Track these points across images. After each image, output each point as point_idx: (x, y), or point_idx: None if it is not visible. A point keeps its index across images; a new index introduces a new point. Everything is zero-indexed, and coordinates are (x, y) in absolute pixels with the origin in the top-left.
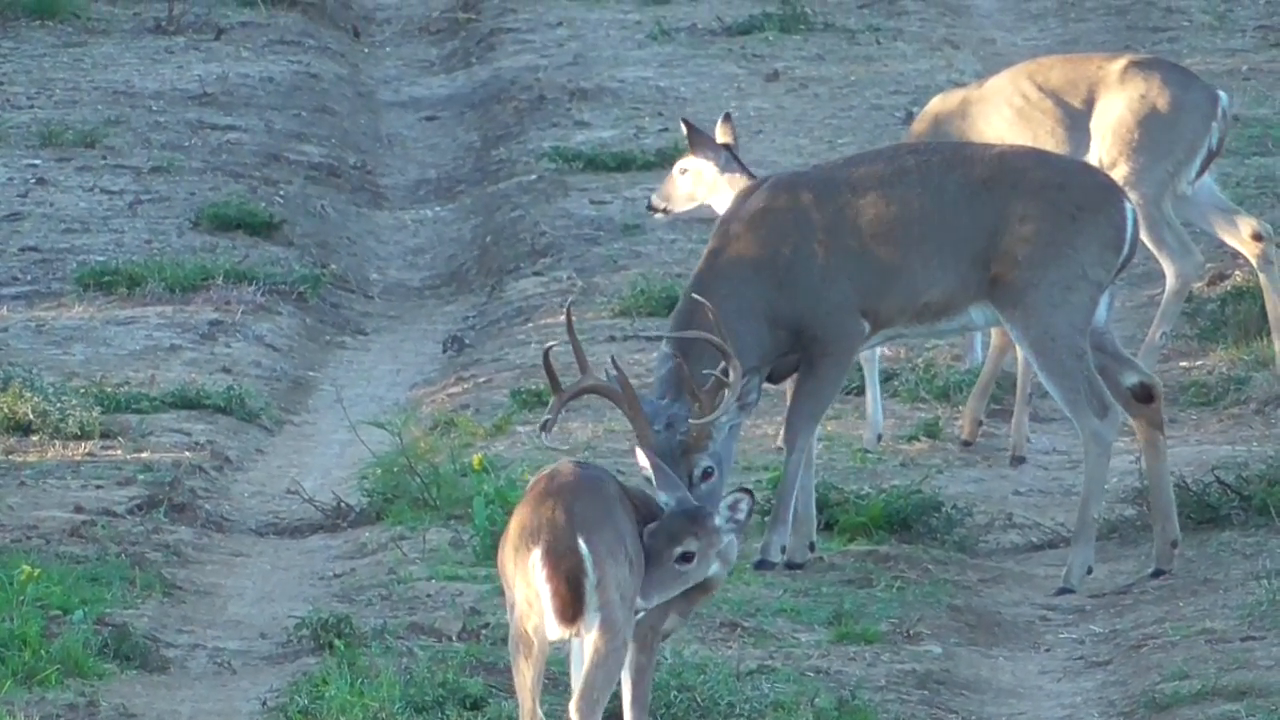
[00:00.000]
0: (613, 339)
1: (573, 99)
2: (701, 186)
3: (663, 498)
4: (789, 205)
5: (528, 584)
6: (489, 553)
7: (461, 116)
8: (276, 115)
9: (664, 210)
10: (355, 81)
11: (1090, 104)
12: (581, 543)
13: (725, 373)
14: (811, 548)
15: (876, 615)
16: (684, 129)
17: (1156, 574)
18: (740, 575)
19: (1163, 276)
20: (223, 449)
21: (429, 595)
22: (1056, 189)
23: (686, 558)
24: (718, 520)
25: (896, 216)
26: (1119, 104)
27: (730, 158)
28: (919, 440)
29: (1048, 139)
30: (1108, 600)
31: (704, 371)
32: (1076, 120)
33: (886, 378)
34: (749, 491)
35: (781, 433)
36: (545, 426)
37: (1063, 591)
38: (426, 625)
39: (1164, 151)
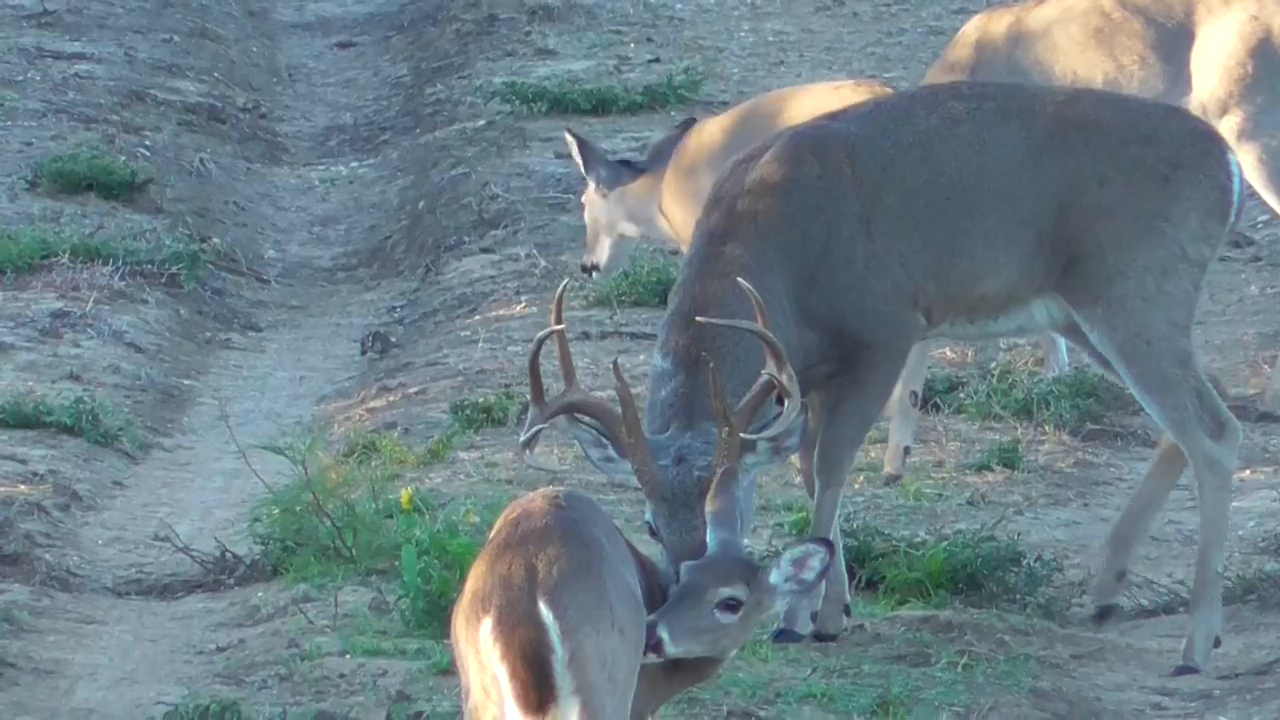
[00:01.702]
0: (586, 336)
1: (533, 19)
2: (605, 219)
3: (708, 534)
4: (818, 171)
5: (481, 664)
6: (421, 619)
7: (386, 43)
8: (140, 40)
9: (596, 267)
10: None
11: (1189, 31)
12: (543, 607)
13: (769, 383)
14: (847, 612)
15: (935, 702)
16: (571, 145)
17: None
18: (755, 649)
19: None
20: (69, 481)
21: (342, 675)
22: (1142, 143)
23: (731, 605)
24: (775, 577)
25: (952, 183)
26: (1226, 30)
27: (618, 166)
28: (991, 471)
29: (1135, 70)
30: (1242, 683)
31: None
32: (1173, 49)
33: (949, 388)
34: (828, 544)
35: (811, 463)
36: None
37: (1183, 671)
38: (340, 715)
39: None
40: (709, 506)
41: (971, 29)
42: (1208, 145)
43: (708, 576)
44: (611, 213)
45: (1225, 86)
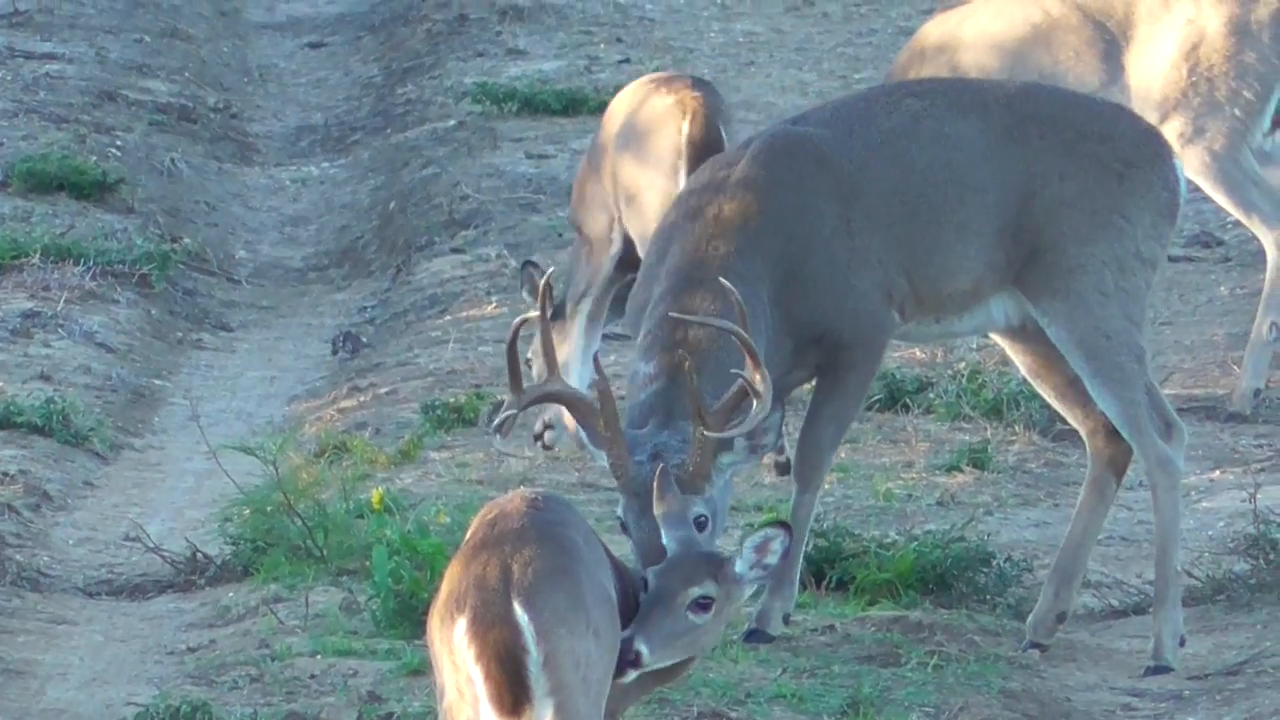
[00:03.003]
0: None
1: (504, 19)
2: (565, 343)
3: (663, 536)
4: (796, 173)
5: (455, 664)
6: (391, 620)
7: (357, 43)
8: (111, 41)
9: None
10: None
11: (1127, 32)
12: (518, 608)
13: (743, 386)
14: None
15: (905, 702)
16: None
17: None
18: (726, 649)
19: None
20: (39, 482)
21: (313, 676)
22: (1098, 140)
23: (703, 604)
24: (739, 566)
25: (924, 178)
26: (1164, 33)
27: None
28: (961, 471)
29: (1071, 65)
30: (1212, 683)
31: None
32: (1110, 47)
33: (919, 388)
34: (785, 526)
35: (787, 464)
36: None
37: (1155, 671)
38: (310, 715)
39: (1226, 92)
40: (656, 510)
41: (921, 32)
42: (1157, 147)
43: (676, 580)
44: (566, 331)
45: (1163, 90)
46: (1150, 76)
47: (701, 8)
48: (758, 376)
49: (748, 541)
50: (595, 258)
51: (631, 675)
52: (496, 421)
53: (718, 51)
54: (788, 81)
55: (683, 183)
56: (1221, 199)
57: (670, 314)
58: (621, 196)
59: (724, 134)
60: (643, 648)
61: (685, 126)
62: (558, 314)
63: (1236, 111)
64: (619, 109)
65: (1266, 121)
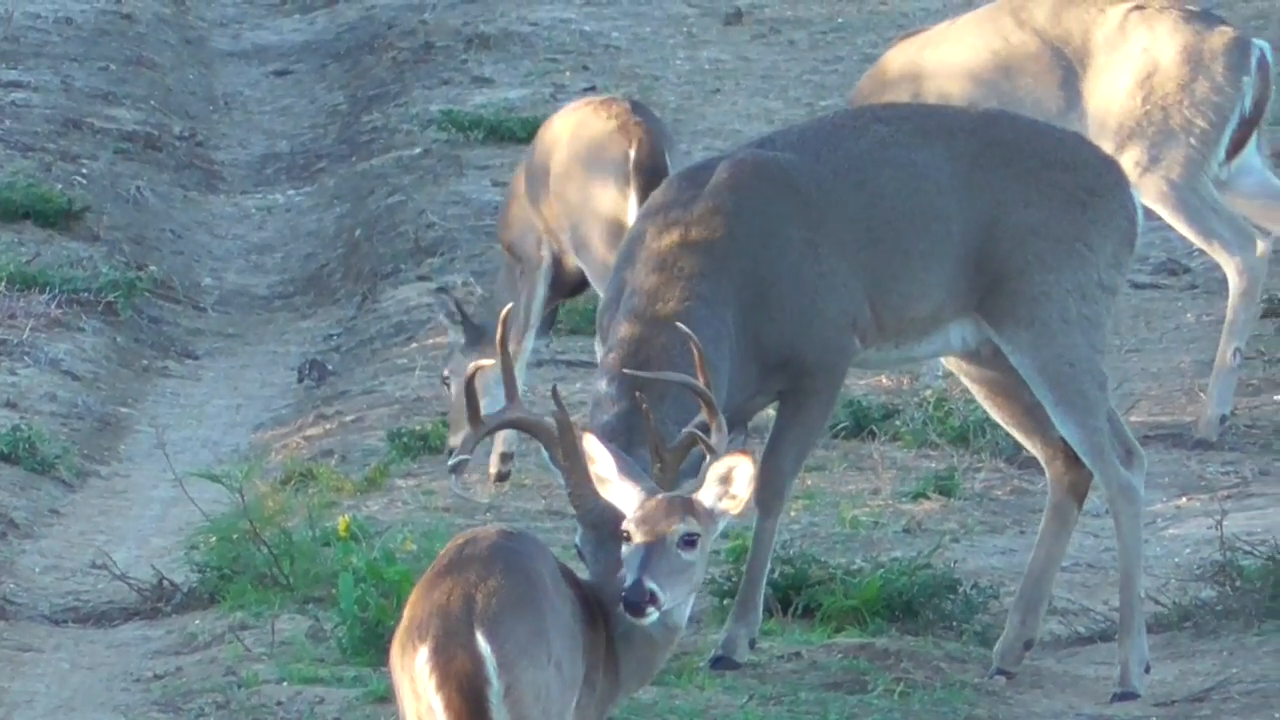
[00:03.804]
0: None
1: (470, 48)
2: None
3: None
4: (763, 198)
5: (416, 693)
6: (358, 647)
7: (322, 70)
8: (76, 69)
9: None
10: (181, 24)
11: (1085, 59)
12: (480, 638)
13: (704, 429)
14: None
15: None
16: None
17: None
18: (692, 676)
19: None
20: (5, 509)
21: (280, 703)
22: (1061, 169)
23: (690, 541)
24: (707, 500)
25: (891, 206)
26: (1120, 61)
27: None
28: (928, 498)
29: (1031, 89)
30: (1178, 710)
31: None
32: (1068, 75)
33: (886, 416)
34: (748, 453)
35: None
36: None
37: (1121, 697)
38: None
39: (1181, 121)
40: (608, 470)
41: (884, 58)
42: (1117, 176)
43: (657, 521)
44: (488, 358)
45: (1119, 118)
46: (1107, 104)
47: (667, 35)
48: (714, 425)
49: (710, 472)
50: (527, 277)
51: (653, 615)
52: (451, 463)
53: (684, 79)
54: (754, 109)
55: (632, 206)
56: (1181, 227)
57: (624, 370)
58: (566, 221)
59: (668, 156)
60: (653, 585)
61: (632, 152)
62: (479, 338)
63: (1192, 140)
64: (560, 134)
65: (1222, 151)
